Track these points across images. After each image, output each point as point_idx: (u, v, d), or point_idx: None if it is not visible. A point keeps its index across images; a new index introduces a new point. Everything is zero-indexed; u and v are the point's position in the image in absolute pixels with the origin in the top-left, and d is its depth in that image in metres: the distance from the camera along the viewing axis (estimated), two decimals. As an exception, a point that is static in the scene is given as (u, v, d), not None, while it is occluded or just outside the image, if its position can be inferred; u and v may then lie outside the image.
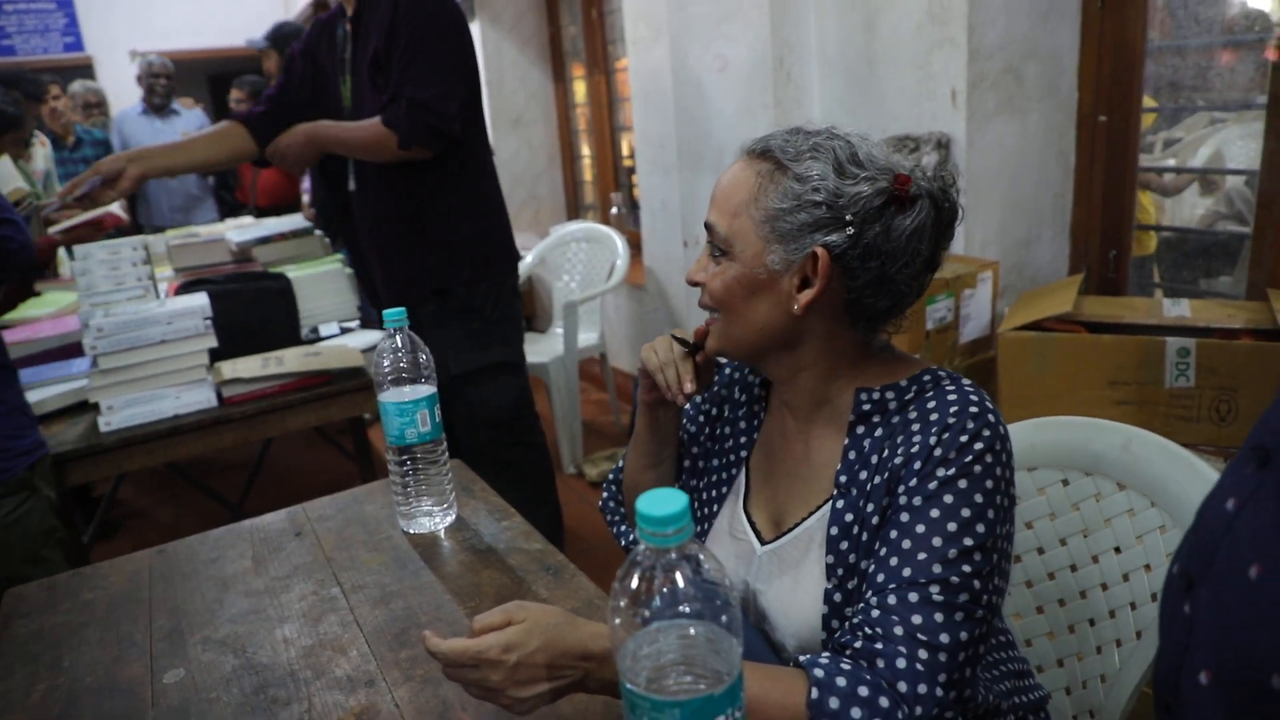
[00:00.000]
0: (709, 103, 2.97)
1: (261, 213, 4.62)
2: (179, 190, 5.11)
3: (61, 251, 3.25)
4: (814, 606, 0.95)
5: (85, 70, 7.37)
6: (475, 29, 4.80)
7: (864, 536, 0.93)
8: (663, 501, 0.57)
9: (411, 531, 1.34)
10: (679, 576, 0.59)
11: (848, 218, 0.91)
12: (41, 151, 4.09)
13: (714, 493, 1.12)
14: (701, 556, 0.60)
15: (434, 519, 1.33)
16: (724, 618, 0.60)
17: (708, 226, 0.98)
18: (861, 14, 2.52)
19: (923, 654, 0.83)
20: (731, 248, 0.95)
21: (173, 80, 5.21)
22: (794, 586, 0.98)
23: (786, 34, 2.65)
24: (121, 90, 7.28)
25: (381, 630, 1.10)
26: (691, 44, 2.97)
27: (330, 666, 1.03)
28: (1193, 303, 2.13)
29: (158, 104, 5.13)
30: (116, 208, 3.96)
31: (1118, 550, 1.28)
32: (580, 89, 4.88)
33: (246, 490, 3.39)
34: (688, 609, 0.59)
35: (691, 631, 0.59)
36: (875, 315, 0.97)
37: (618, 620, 0.61)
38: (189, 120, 5.28)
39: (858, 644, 0.85)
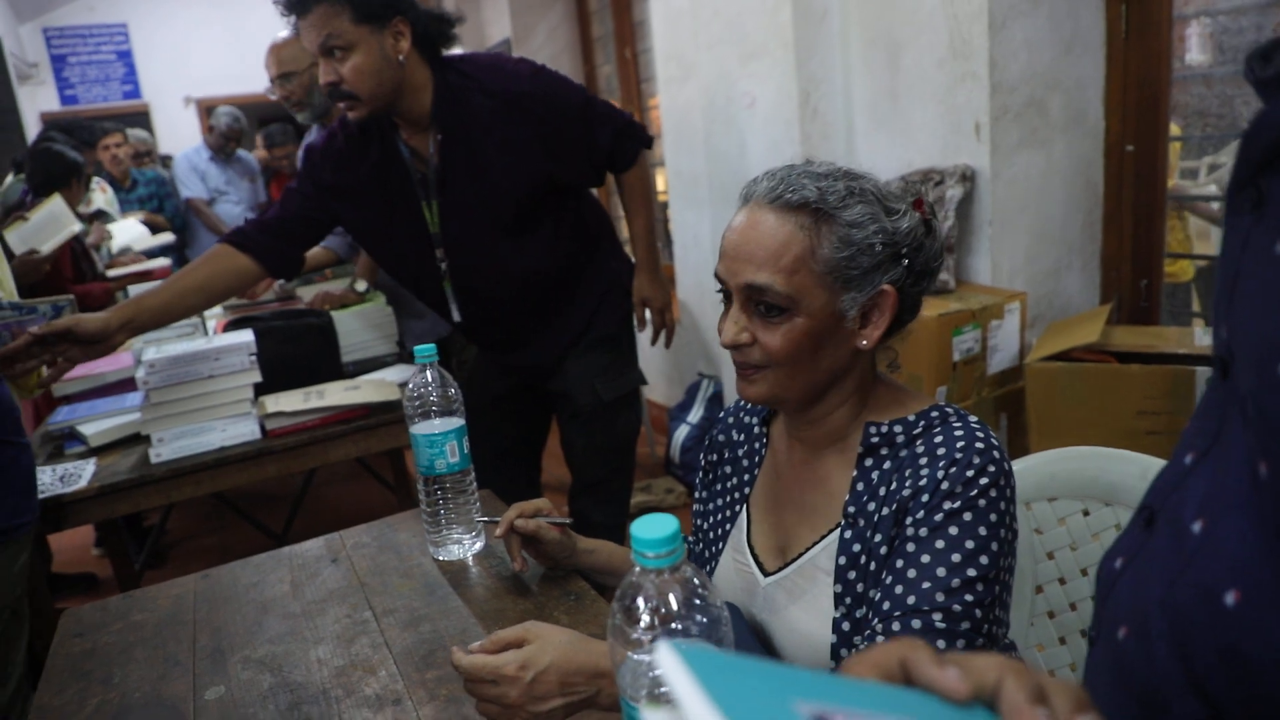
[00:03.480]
0: (738, 139, 3.03)
1: None
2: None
3: (119, 294, 3.41)
4: (823, 635, 0.97)
5: (142, 116, 7.67)
6: (513, 70, 4.93)
7: (871, 566, 0.95)
8: (655, 526, 0.61)
9: (441, 558, 1.39)
10: (672, 596, 0.63)
11: (903, 251, 0.96)
12: (101, 196, 4.28)
13: (719, 531, 1.14)
14: (694, 577, 0.64)
15: (463, 546, 1.38)
16: (716, 634, 0.63)
17: (756, 287, 0.95)
18: (885, 49, 2.57)
19: None
20: (796, 304, 0.94)
21: (243, 137, 5.48)
22: (804, 615, 1.00)
23: (812, 70, 2.70)
24: (175, 134, 7.58)
25: (410, 652, 1.14)
26: (720, 82, 3.03)
27: (360, 685, 1.08)
28: (1224, 331, 2.12)
29: (223, 153, 5.38)
30: (167, 261, 4.15)
31: (1137, 579, 1.28)
32: (616, 126, 4.97)
33: (290, 520, 3.47)
34: (680, 626, 0.63)
35: (685, 648, 0.63)
36: (899, 330, 1.02)
37: (616, 639, 0.64)
38: (251, 162, 5.54)
39: None
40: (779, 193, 0.95)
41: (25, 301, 2.21)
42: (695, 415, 3.66)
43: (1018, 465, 1.34)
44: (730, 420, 1.20)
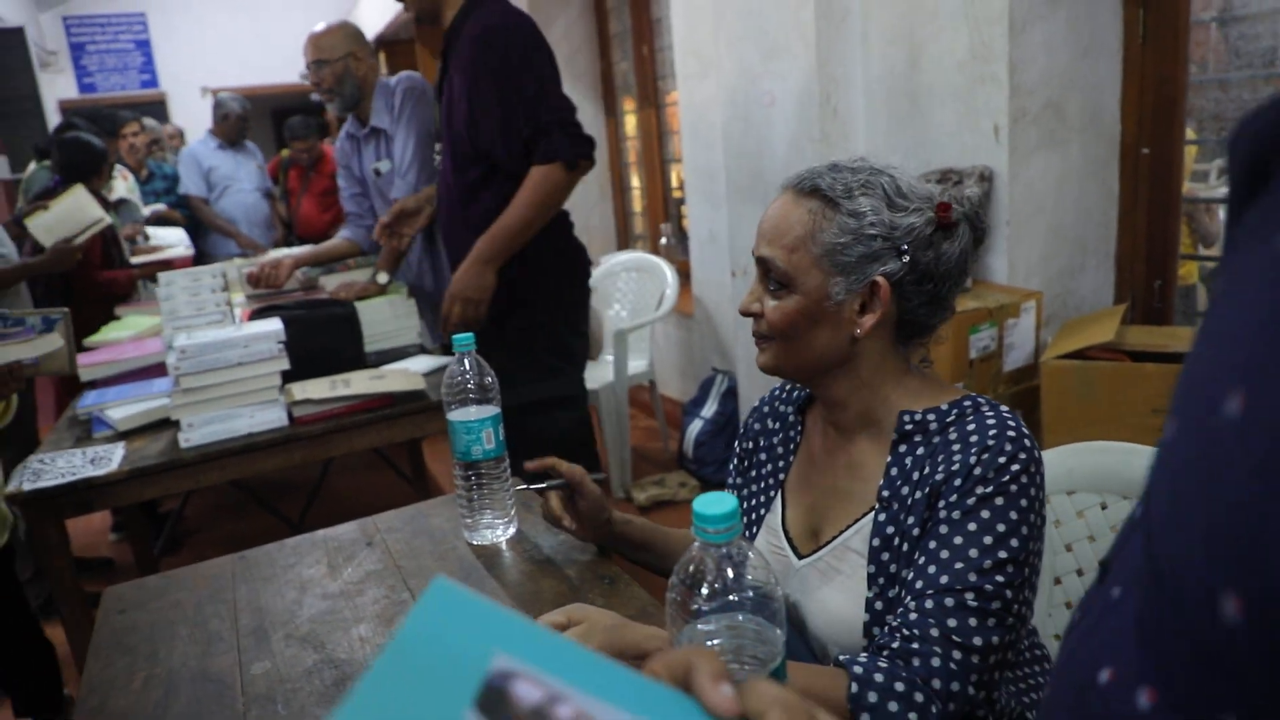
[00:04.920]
0: (757, 136, 3.05)
1: (301, 242, 4.89)
2: (257, 221, 5.36)
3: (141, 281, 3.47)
4: (856, 614, 1.01)
5: (159, 106, 7.73)
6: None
7: (904, 547, 0.99)
8: (715, 502, 0.64)
9: (475, 543, 1.42)
10: (729, 570, 0.66)
11: (903, 247, 1.00)
12: (123, 185, 4.32)
13: (753, 515, 1.18)
14: (750, 553, 0.67)
15: (496, 531, 1.42)
16: (769, 609, 0.67)
17: (763, 261, 1.04)
18: (905, 50, 2.60)
19: (957, 654, 0.89)
20: (792, 281, 1.01)
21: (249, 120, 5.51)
22: (836, 595, 1.04)
23: (832, 70, 2.72)
24: (191, 124, 7.63)
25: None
26: (740, 79, 3.06)
27: (403, 662, 1.11)
28: (1238, 332, 2.14)
29: (235, 141, 5.38)
30: (185, 249, 4.20)
31: (1154, 572, 1.31)
32: (631, 123, 5.01)
33: (306, 509, 3.51)
34: (736, 599, 0.66)
35: (740, 619, 0.66)
36: (923, 331, 1.07)
37: (673, 610, 0.68)
38: (256, 153, 5.56)
39: (895, 644, 0.91)
40: (801, 180, 1.04)
41: (13, 312, 2.08)
42: (709, 410, 3.69)
43: (1038, 459, 1.37)
44: (765, 409, 1.24)
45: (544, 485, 1.28)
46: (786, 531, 1.13)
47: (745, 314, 1.07)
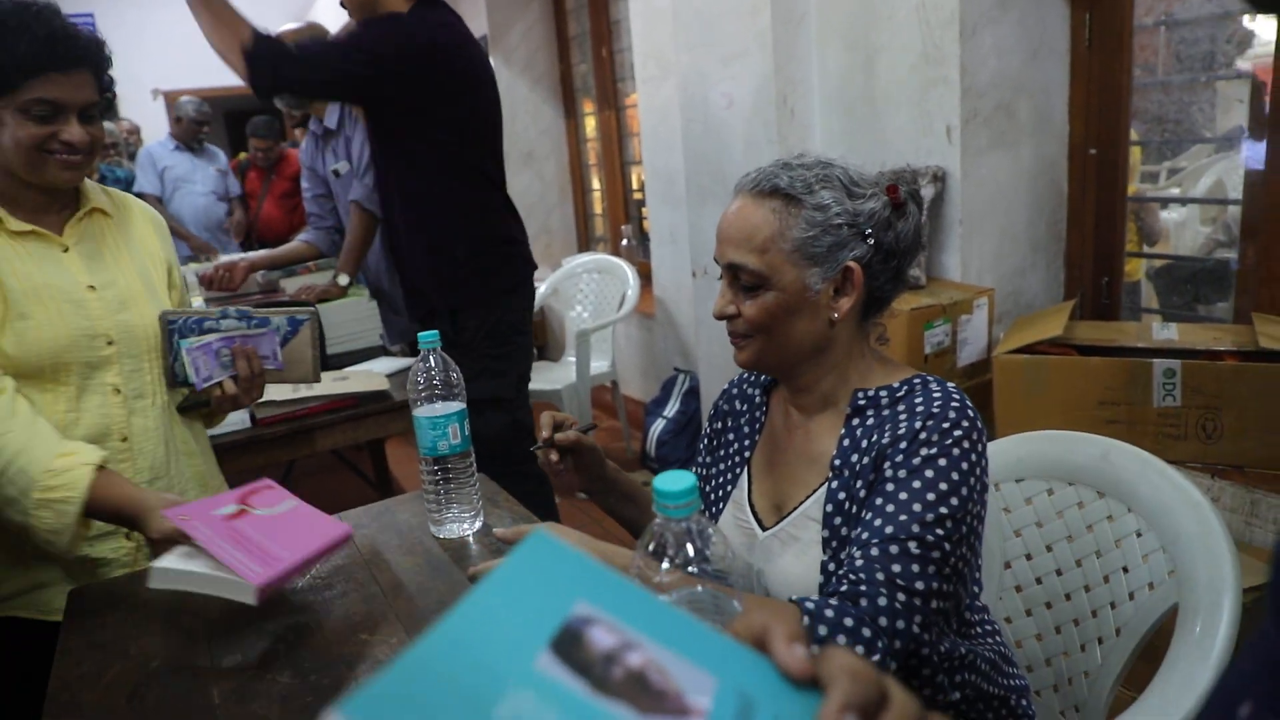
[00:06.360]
0: (716, 138, 3.10)
1: (262, 245, 4.87)
2: (207, 225, 5.31)
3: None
4: (812, 577, 1.07)
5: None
6: (490, 68, 4.96)
7: (854, 510, 1.06)
8: (675, 480, 0.68)
9: (442, 536, 1.44)
10: (688, 545, 0.70)
11: (867, 231, 1.06)
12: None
13: (720, 492, 1.25)
14: (709, 528, 0.71)
15: (463, 525, 1.44)
16: (725, 581, 0.70)
17: (733, 266, 1.09)
18: (860, 54, 2.66)
19: (901, 596, 0.96)
20: (767, 280, 1.07)
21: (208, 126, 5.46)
22: (795, 562, 1.10)
23: (789, 73, 2.78)
24: (142, 126, 7.51)
25: (419, 620, 1.20)
26: (699, 82, 3.10)
27: (374, 652, 1.14)
28: (1180, 326, 2.23)
29: (195, 145, 5.34)
30: None
31: (1098, 554, 1.37)
32: (590, 124, 5.04)
33: (270, 513, 3.49)
34: (695, 571, 0.70)
35: (699, 590, 0.70)
36: (885, 305, 1.13)
37: (639, 582, 0.71)
38: (218, 154, 5.51)
39: (843, 588, 0.98)
40: (757, 182, 1.09)
41: (258, 311, 1.67)
42: (671, 409, 3.73)
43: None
44: (734, 391, 1.31)
45: (536, 446, 1.30)
46: (753, 506, 1.19)
47: (720, 318, 1.11)
